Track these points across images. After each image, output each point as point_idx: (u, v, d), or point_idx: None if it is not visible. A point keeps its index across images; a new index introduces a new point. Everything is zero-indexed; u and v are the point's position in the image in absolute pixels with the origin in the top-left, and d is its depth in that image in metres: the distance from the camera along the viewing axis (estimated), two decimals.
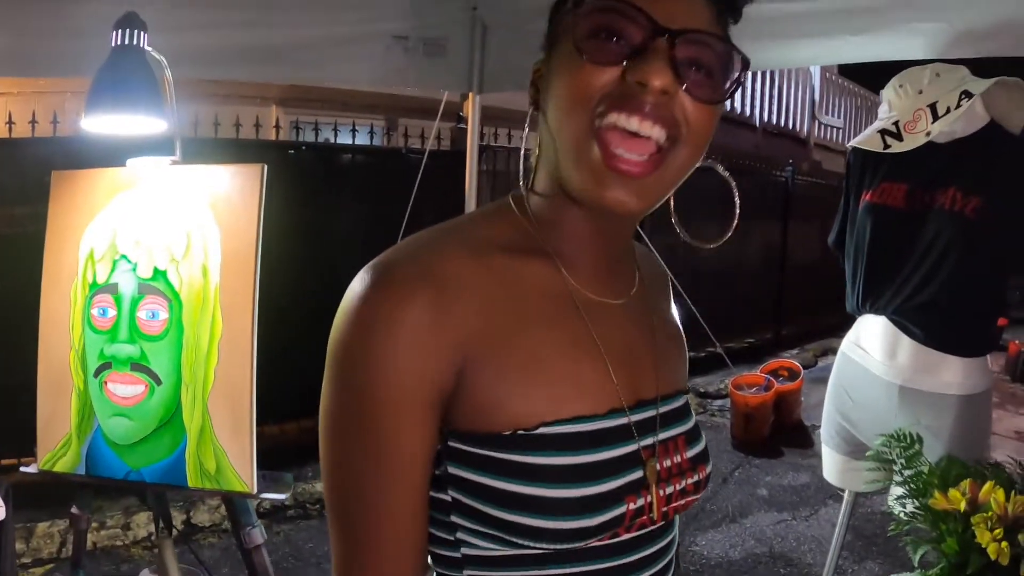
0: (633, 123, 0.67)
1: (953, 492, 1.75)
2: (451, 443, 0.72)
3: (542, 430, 0.70)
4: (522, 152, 0.80)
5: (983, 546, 1.65)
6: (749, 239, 7.95)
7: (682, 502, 0.80)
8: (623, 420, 0.76)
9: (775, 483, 4.79)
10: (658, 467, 0.77)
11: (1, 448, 3.47)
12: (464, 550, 0.74)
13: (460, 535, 0.73)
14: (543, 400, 0.71)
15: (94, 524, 3.64)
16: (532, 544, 0.71)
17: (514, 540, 0.71)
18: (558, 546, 0.71)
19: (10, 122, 4.17)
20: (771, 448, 5.35)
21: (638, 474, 0.75)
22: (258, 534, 1.82)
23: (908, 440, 1.95)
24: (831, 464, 2.43)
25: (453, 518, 0.73)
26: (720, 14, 0.73)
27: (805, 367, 6.45)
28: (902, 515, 1.85)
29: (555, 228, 0.78)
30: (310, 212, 4.51)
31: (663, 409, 0.81)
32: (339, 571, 0.73)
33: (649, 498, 0.75)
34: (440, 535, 0.75)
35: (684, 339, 0.94)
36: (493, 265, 0.74)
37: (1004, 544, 1.61)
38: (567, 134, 0.70)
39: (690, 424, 0.85)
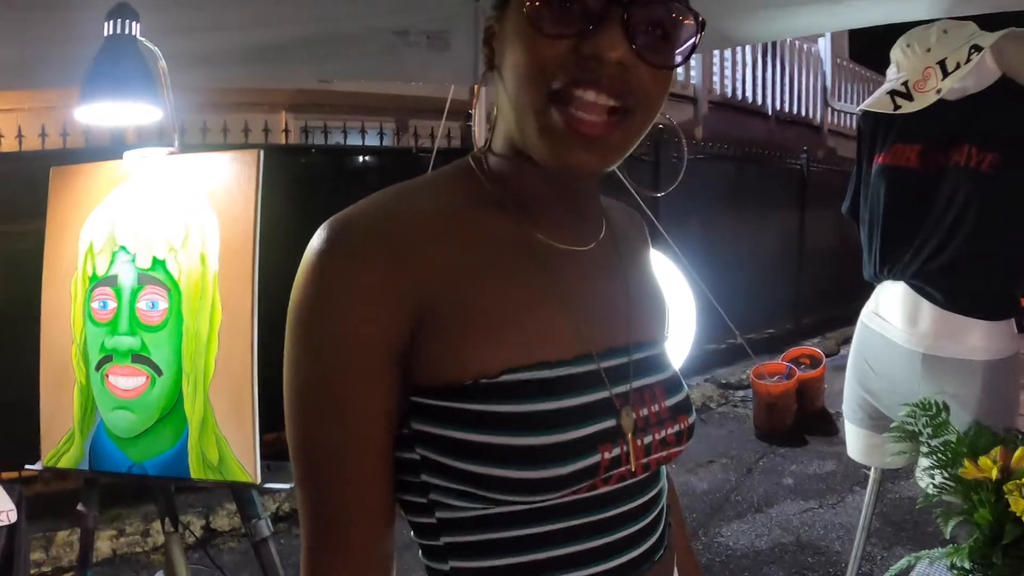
0: (590, 95, 0.66)
1: (984, 460, 1.69)
2: (414, 399, 0.69)
3: (505, 377, 0.68)
4: (474, 113, 0.80)
5: (1017, 514, 1.58)
6: (766, 228, 7.87)
7: (664, 453, 0.77)
8: (592, 366, 0.73)
9: (800, 472, 4.71)
10: (634, 416, 0.74)
11: (18, 458, 3.47)
12: (439, 513, 0.71)
13: (432, 496, 0.71)
14: (506, 347, 0.69)
15: (113, 531, 3.64)
16: (504, 497, 0.68)
17: (485, 495, 0.68)
18: (531, 498, 0.68)
19: (20, 136, 4.20)
20: (795, 437, 5.27)
21: (611, 422, 0.72)
22: (264, 527, 1.80)
23: (935, 409, 1.88)
24: (855, 440, 2.36)
25: (423, 477, 0.70)
26: None
27: (827, 355, 6.35)
28: (931, 487, 1.79)
29: (515, 184, 0.76)
30: (322, 215, 4.48)
31: (636, 356, 0.78)
32: (307, 539, 0.71)
33: (625, 448, 0.72)
34: (414, 500, 0.72)
35: (661, 288, 0.91)
36: (452, 219, 0.73)
37: None
38: (524, 103, 0.69)
39: (668, 374, 0.82)
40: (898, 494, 3.92)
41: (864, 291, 2.32)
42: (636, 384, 0.76)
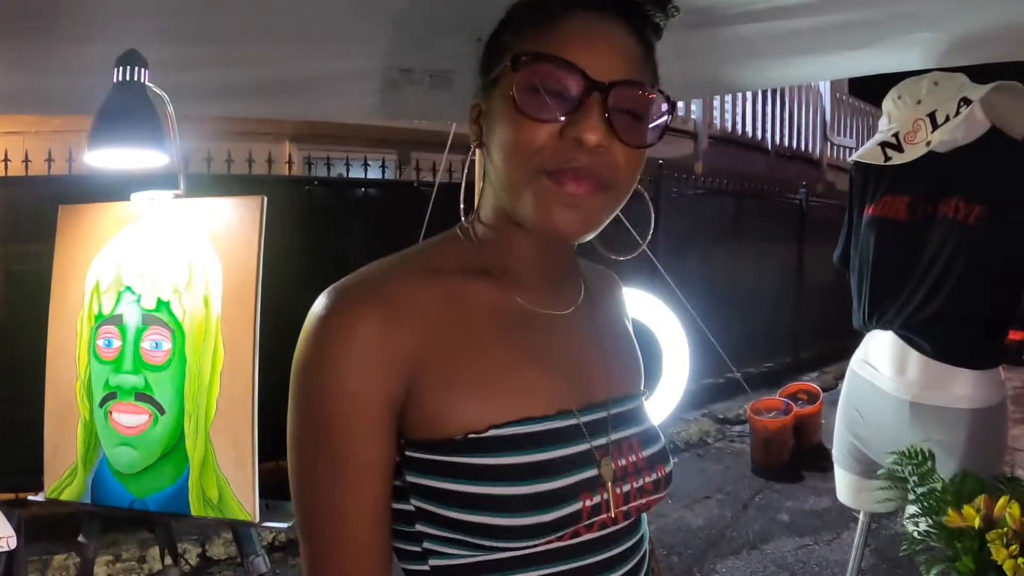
0: (573, 174, 0.73)
1: (967, 509, 1.71)
2: (408, 452, 0.76)
3: (492, 432, 0.74)
4: (463, 185, 0.88)
5: (999, 563, 1.61)
6: (765, 263, 7.91)
7: (643, 501, 0.82)
8: (572, 421, 0.79)
9: (796, 508, 4.72)
10: (613, 466, 0.80)
11: (17, 481, 3.49)
12: (432, 561, 0.76)
13: (427, 544, 0.76)
14: (491, 405, 0.76)
15: (109, 557, 3.66)
16: (492, 543, 0.73)
17: (475, 541, 0.73)
18: (517, 544, 0.74)
19: (26, 160, 4.25)
20: (792, 472, 5.27)
21: (592, 472, 0.78)
22: (261, 563, 1.82)
23: (920, 457, 1.91)
24: (844, 485, 2.38)
25: (418, 527, 0.76)
26: (646, 50, 0.79)
27: (825, 390, 6.35)
28: (915, 534, 1.81)
29: (501, 251, 0.83)
30: (323, 246, 4.54)
31: (614, 411, 0.84)
32: None
33: (605, 495, 0.78)
34: (408, 548, 0.78)
35: (636, 345, 0.98)
36: (442, 286, 0.79)
37: (1021, 560, 1.57)
38: (515, 178, 0.76)
39: (645, 426, 0.88)
40: (894, 530, 3.91)
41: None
42: (614, 436, 0.83)
